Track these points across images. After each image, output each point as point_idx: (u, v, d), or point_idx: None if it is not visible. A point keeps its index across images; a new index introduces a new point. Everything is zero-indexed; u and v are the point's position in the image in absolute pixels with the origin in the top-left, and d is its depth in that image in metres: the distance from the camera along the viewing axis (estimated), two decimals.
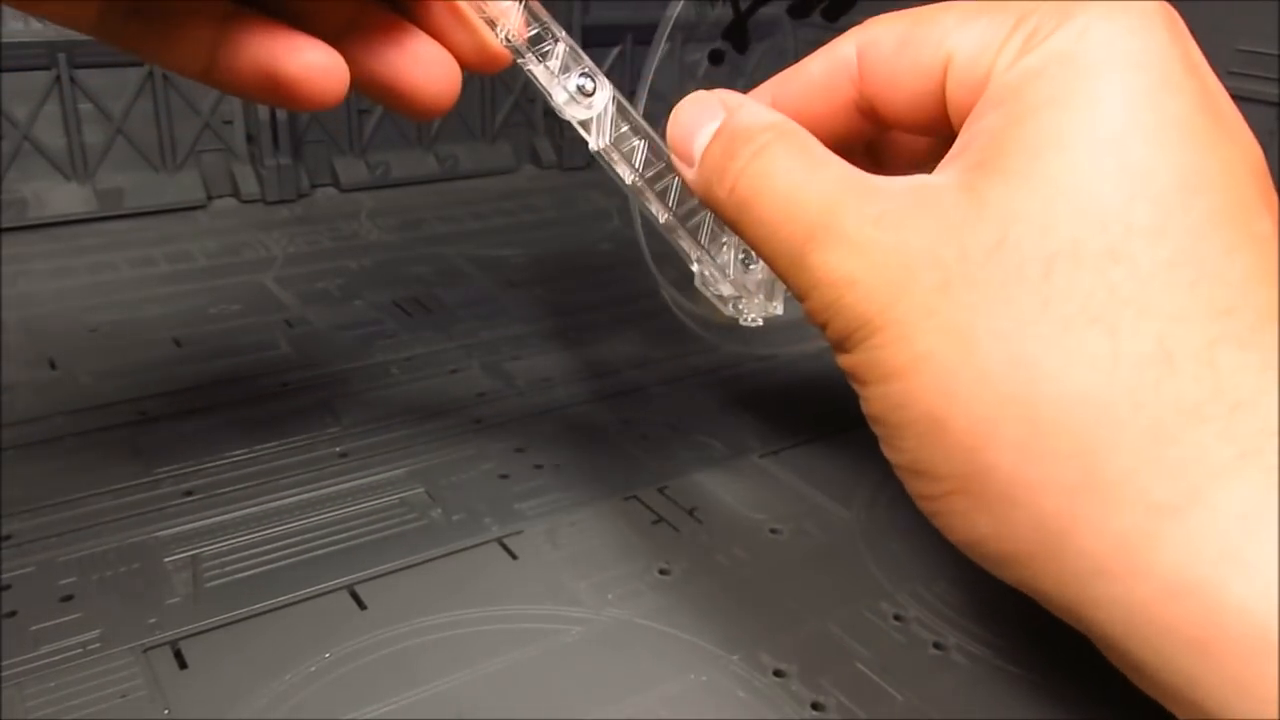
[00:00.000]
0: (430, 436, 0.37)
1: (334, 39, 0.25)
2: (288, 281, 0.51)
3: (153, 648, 0.26)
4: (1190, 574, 0.17)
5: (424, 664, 0.26)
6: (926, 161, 0.25)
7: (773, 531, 0.32)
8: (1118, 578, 0.18)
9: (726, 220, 0.23)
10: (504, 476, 0.34)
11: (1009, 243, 0.19)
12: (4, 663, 0.25)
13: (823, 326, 0.21)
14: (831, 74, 0.24)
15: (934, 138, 0.25)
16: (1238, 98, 0.59)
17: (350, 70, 0.25)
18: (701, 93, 0.25)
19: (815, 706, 0.25)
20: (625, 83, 0.75)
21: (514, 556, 0.30)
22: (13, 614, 0.27)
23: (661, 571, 0.30)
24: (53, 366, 0.41)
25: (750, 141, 0.23)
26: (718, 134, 0.24)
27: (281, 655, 0.26)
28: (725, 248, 0.26)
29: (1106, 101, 0.18)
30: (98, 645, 0.26)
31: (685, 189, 0.26)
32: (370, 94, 0.26)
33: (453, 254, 0.55)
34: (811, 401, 0.40)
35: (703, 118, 0.24)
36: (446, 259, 0.54)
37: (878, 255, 0.20)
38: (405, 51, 0.25)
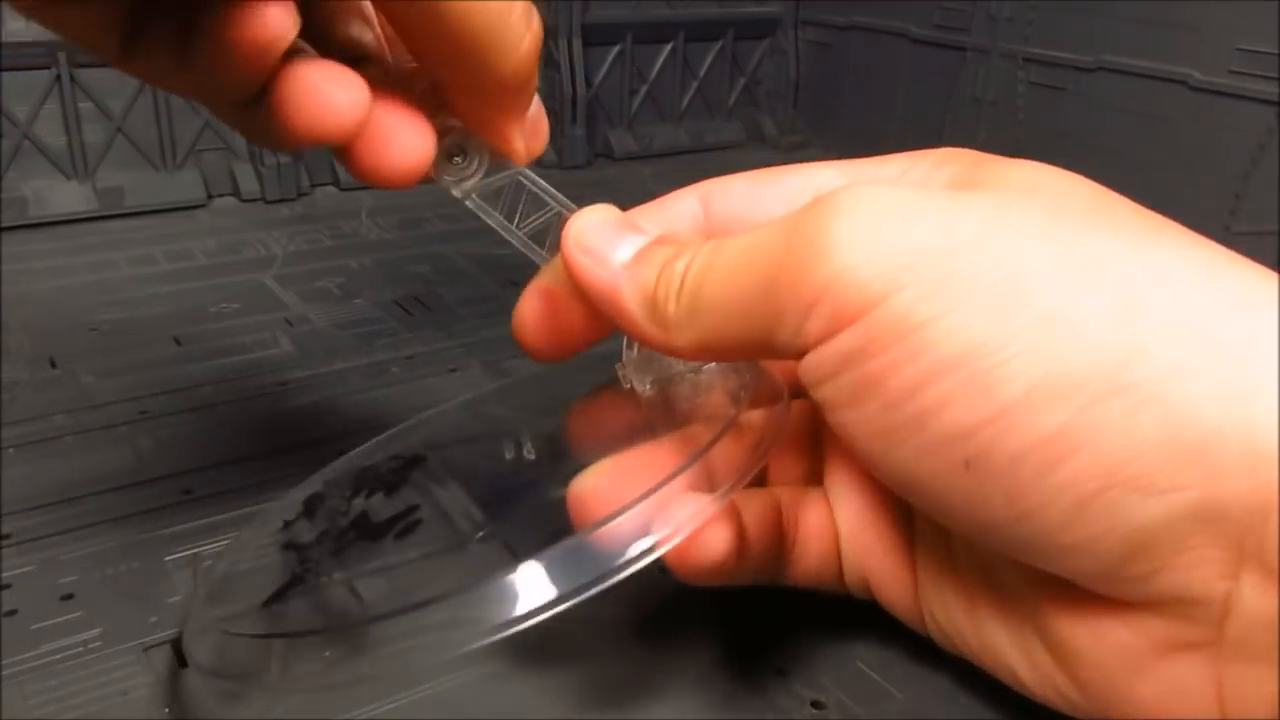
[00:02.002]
0: None
1: None
2: (288, 280, 0.51)
3: (153, 646, 0.26)
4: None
5: (424, 662, 0.26)
6: None
7: None
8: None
9: (676, 316, 0.21)
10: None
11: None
12: (5, 661, 0.25)
13: (825, 298, 0.19)
14: (670, 224, 0.24)
15: None
16: (1237, 96, 0.60)
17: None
18: (605, 211, 0.23)
19: (816, 705, 0.25)
20: (626, 80, 0.75)
21: (514, 554, 0.30)
22: (13, 612, 0.27)
23: (662, 570, 0.30)
24: (53, 365, 0.41)
25: (689, 245, 0.22)
26: (663, 239, 0.22)
27: None
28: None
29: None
30: (98, 644, 0.26)
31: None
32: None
33: (453, 252, 0.55)
34: None
35: (625, 229, 0.23)
36: (446, 257, 0.54)
37: (895, 217, 0.19)
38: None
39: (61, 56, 0.56)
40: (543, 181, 0.24)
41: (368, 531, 0.28)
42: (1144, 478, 0.17)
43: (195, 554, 0.30)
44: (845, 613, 0.28)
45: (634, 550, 0.20)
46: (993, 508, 0.18)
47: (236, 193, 0.63)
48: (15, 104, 0.56)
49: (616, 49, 0.74)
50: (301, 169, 0.64)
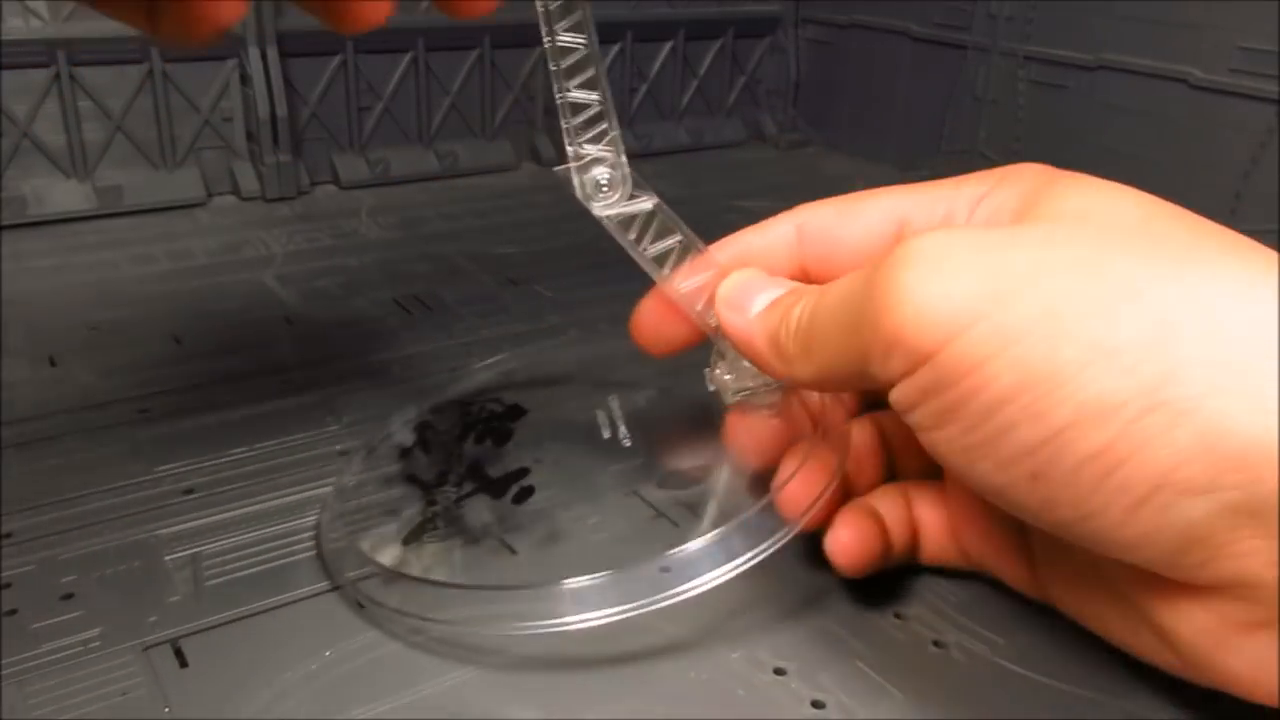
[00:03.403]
0: None
1: None
2: (288, 279, 0.51)
3: (153, 646, 0.26)
4: None
5: (424, 662, 0.26)
6: None
7: None
8: None
9: (794, 353, 0.25)
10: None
11: (1091, 218, 0.23)
12: (5, 661, 0.25)
13: (898, 345, 0.22)
14: (769, 245, 0.29)
15: None
16: (1238, 95, 0.60)
17: None
18: (748, 272, 0.28)
19: (815, 704, 0.25)
20: (626, 79, 0.75)
21: (514, 553, 0.30)
22: (13, 612, 0.27)
23: (662, 569, 0.30)
24: (53, 364, 0.41)
25: (806, 292, 0.26)
26: (794, 290, 0.26)
27: (282, 654, 0.26)
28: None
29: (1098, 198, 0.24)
30: (98, 643, 0.26)
31: None
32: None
33: (453, 252, 0.55)
34: None
35: (767, 284, 0.27)
36: (447, 257, 0.54)
37: (964, 253, 0.22)
38: None
39: (61, 56, 0.56)
40: (673, 214, 0.28)
41: (486, 486, 0.32)
42: (1188, 481, 0.19)
43: (196, 553, 0.30)
44: (846, 611, 0.28)
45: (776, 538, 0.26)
46: (1061, 510, 0.21)
47: (236, 191, 0.63)
48: (15, 103, 0.56)
49: (616, 48, 0.74)
50: (301, 167, 0.64)
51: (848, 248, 0.28)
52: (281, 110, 0.62)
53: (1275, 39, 0.52)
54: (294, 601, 0.28)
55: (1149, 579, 0.22)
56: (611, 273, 0.54)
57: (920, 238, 0.22)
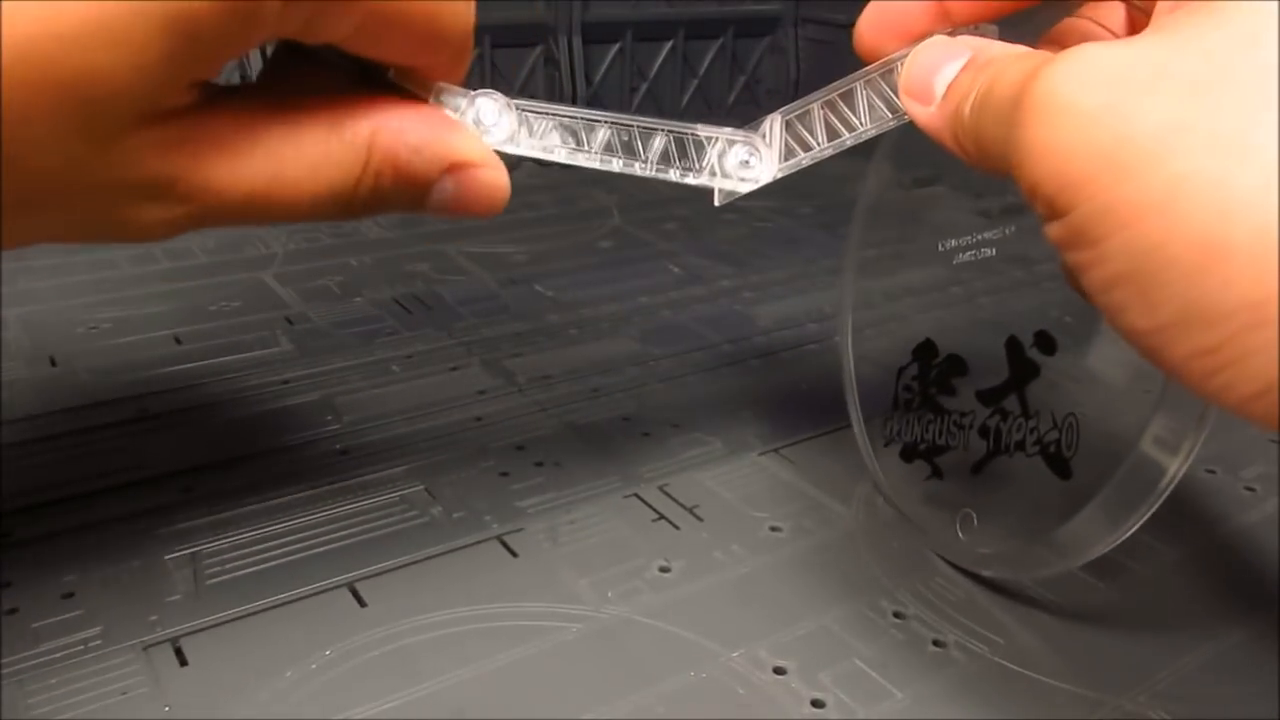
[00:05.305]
0: (431, 434, 0.37)
1: None
2: (288, 278, 0.51)
3: (153, 645, 0.26)
4: None
5: (424, 661, 0.26)
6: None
7: (773, 529, 0.32)
8: None
9: (966, 138, 0.24)
10: (504, 474, 0.34)
11: (1263, 40, 0.18)
12: (5, 659, 0.25)
13: (1034, 194, 0.20)
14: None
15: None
16: None
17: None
18: (942, 37, 0.25)
19: (815, 704, 0.25)
20: (625, 78, 0.75)
21: (514, 554, 0.30)
22: (14, 611, 0.27)
23: (661, 569, 0.30)
24: (53, 363, 0.41)
25: (996, 62, 0.23)
26: (967, 65, 0.24)
27: (282, 652, 0.26)
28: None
29: None
30: (98, 642, 0.26)
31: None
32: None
33: (453, 251, 0.55)
34: (812, 399, 0.40)
35: (946, 57, 0.25)
36: (447, 256, 0.54)
37: (1099, 87, 0.19)
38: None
39: None
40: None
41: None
42: None
43: (195, 552, 0.30)
44: (845, 610, 0.28)
45: None
46: (1185, 384, 0.20)
47: None
48: None
49: (616, 47, 0.73)
50: None
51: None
52: None
53: None
54: (294, 600, 0.28)
55: None
56: (611, 271, 0.54)
57: (1068, 69, 0.20)
